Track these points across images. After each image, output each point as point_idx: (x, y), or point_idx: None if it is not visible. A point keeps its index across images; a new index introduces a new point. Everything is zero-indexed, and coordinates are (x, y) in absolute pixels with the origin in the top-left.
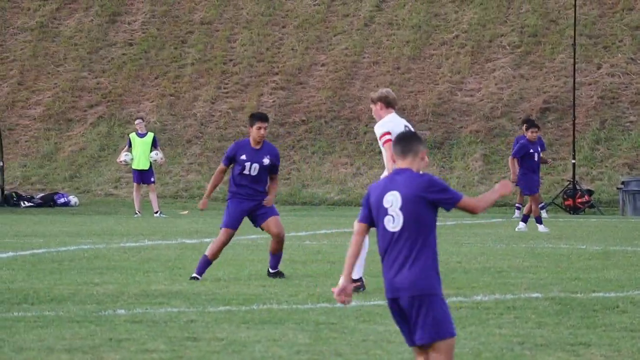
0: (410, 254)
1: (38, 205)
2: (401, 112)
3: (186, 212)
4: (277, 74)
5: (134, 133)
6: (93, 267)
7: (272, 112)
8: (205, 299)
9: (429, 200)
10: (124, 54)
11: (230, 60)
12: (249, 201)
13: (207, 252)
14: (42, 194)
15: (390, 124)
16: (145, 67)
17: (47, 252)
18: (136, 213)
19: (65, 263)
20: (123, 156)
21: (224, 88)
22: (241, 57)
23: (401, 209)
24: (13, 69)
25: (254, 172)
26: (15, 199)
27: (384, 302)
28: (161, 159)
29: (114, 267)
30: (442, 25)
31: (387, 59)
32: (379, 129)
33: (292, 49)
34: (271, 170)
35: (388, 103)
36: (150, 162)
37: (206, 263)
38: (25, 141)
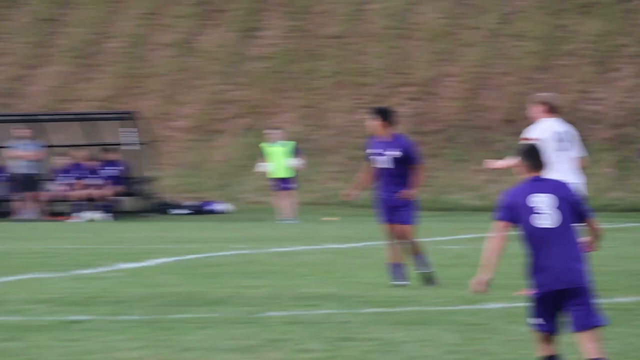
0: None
1: (188, 213)
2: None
3: (336, 218)
4: (409, 85)
5: (271, 143)
6: (248, 271)
7: (407, 122)
8: (357, 301)
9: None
10: (263, 67)
11: (364, 72)
12: None
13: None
14: (193, 202)
15: (539, 129)
16: (283, 79)
17: (205, 257)
18: (281, 219)
19: (222, 267)
20: (261, 166)
21: (360, 99)
22: (374, 69)
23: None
24: (158, 84)
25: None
26: (168, 206)
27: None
28: (301, 166)
29: (268, 271)
30: (567, 37)
31: (515, 70)
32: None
33: (423, 61)
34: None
35: (551, 108)
36: (291, 170)
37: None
38: (176, 152)
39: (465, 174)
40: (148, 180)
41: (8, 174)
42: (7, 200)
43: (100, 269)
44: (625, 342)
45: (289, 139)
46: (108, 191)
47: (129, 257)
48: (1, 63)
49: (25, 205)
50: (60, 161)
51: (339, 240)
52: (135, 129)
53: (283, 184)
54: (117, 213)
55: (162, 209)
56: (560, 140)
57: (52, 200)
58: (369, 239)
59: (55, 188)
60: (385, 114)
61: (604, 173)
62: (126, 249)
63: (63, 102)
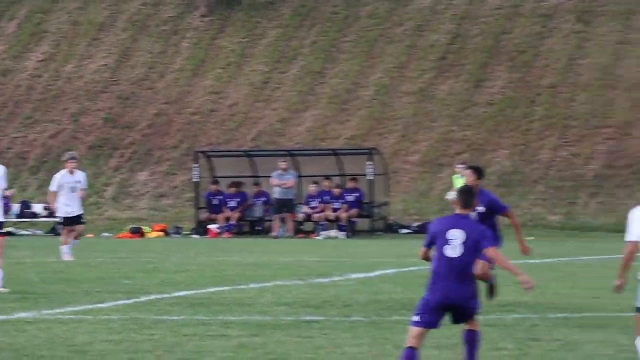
0: None
1: (414, 232)
2: None
3: (532, 238)
4: (608, 127)
5: (457, 175)
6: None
7: (603, 158)
8: (545, 307)
9: None
10: (485, 112)
11: (571, 116)
12: None
13: None
14: (418, 224)
15: None
16: (502, 122)
17: (421, 270)
18: None
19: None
20: (450, 195)
21: (564, 139)
22: (579, 114)
23: None
24: (398, 125)
25: None
26: (396, 227)
27: None
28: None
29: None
30: None
31: None
32: None
33: (622, 107)
34: None
35: None
36: None
37: None
38: (406, 182)
39: None
40: (382, 204)
41: (268, 199)
42: (266, 221)
43: (334, 278)
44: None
45: (502, 173)
46: (347, 214)
47: (359, 269)
48: (274, 108)
49: (280, 225)
50: (312, 189)
51: (537, 257)
52: (372, 163)
53: None
54: (354, 232)
55: (392, 229)
56: None
57: (302, 221)
58: (561, 256)
59: (305, 211)
60: (480, 171)
61: None
62: (357, 262)
63: (322, 140)
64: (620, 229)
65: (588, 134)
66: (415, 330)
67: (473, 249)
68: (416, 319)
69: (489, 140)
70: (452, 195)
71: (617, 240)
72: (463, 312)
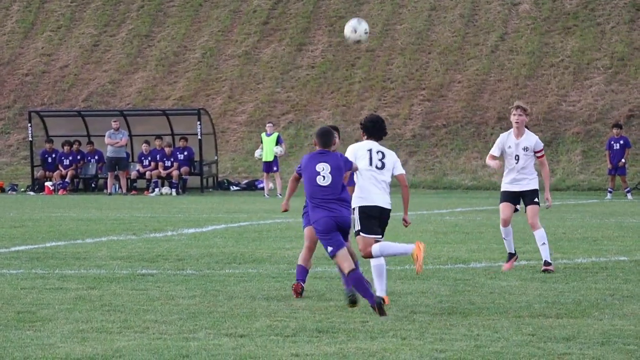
0: None
1: (243, 189)
2: None
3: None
4: (424, 89)
5: (264, 133)
6: (285, 236)
7: (420, 118)
8: (367, 260)
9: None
10: (307, 74)
11: (388, 79)
12: None
13: None
14: (246, 181)
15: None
16: (323, 84)
17: (250, 225)
18: (265, 195)
19: (264, 233)
20: (257, 153)
21: (383, 100)
22: (396, 76)
23: None
24: (225, 86)
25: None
26: (226, 184)
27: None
28: (281, 152)
29: (300, 236)
30: (551, 52)
31: (508, 78)
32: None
33: (436, 70)
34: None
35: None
36: (275, 155)
37: None
38: (234, 141)
39: (464, 160)
40: (211, 163)
41: (101, 157)
42: (99, 178)
43: (167, 233)
44: (580, 295)
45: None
46: (178, 171)
47: (191, 224)
48: (104, 69)
49: (113, 182)
50: (144, 147)
51: None
52: (200, 122)
53: (269, 166)
54: (185, 189)
55: (222, 186)
56: None
57: (135, 179)
58: None
59: (138, 169)
60: None
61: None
62: (189, 218)
63: (152, 101)
64: (436, 185)
65: (405, 96)
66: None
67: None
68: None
69: (311, 101)
70: (259, 153)
71: (434, 195)
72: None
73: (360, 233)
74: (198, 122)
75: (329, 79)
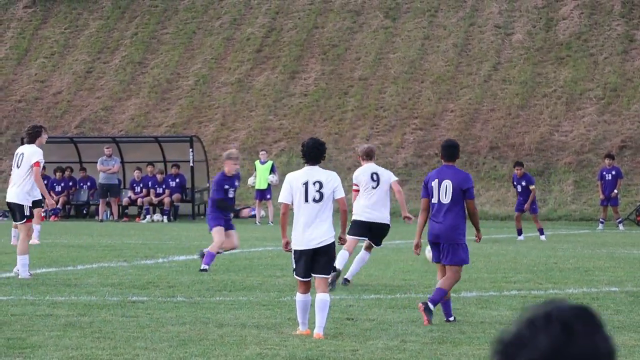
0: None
1: (234, 217)
2: (511, 148)
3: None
4: (416, 118)
5: (257, 161)
6: (275, 264)
7: (412, 147)
8: (360, 289)
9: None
10: (300, 102)
11: (381, 107)
12: None
13: None
14: (237, 208)
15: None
16: (316, 112)
17: (241, 252)
18: (257, 222)
19: (254, 260)
20: (250, 180)
21: (376, 128)
22: (389, 105)
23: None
24: (217, 114)
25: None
26: None
27: (497, 293)
28: (276, 181)
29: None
30: (544, 82)
31: (501, 107)
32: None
33: (428, 99)
34: None
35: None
36: (268, 183)
37: None
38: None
39: None
40: (202, 190)
41: (93, 184)
42: (91, 205)
43: (158, 260)
44: None
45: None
46: (170, 198)
47: (182, 251)
48: (97, 96)
49: (105, 209)
50: (136, 174)
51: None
52: (193, 150)
53: (263, 194)
54: (177, 216)
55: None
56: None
57: (126, 205)
58: None
59: (129, 195)
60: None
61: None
62: (180, 245)
63: (144, 128)
64: None
65: (398, 124)
66: None
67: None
68: None
69: (304, 129)
70: (252, 181)
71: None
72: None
73: (294, 274)
74: (190, 150)
75: (322, 107)
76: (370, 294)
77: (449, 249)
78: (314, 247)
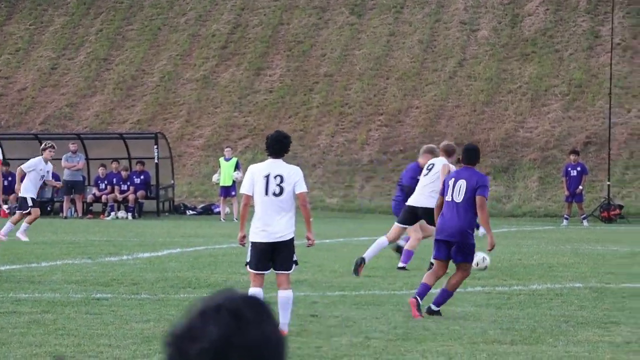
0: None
1: (199, 214)
2: (476, 144)
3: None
4: (381, 114)
5: (222, 158)
6: (240, 261)
7: (377, 143)
8: (324, 286)
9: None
10: (265, 99)
11: (346, 104)
12: None
13: None
14: (202, 205)
15: None
16: (281, 109)
17: (206, 249)
18: (222, 219)
19: (219, 257)
20: (214, 177)
21: (341, 125)
22: (354, 101)
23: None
24: (182, 110)
25: None
26: (182, 208)
27: (461, 290)
28: (241, 177)
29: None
30: (509, 78)
31: (466, 104)
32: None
33: (394, 96)
34: None
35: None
36: (233, 180)
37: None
38: (191, 165)
39: None
40: (167, 187)
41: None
42: (56, 201)
43: (122, 257)
44: (534, 321)
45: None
46: (134, 195)
47: (146, 248)
48: (62, 92)
49: (69, 206)
50: (100, 171)
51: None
52: (158, 146)
53: (227, 191)
54: (141, 213)
55: (178, 210)
56: None
57: (91, 202)
58: (338, 237)
59: (94, 192)
60: None
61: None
62: (144, 241)
63: (109, 124)
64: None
65: (363, 121)
66: None
67: None
68: None
69: (269, 126)
70: (216, 178)
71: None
72: None
73: (247, 267)
74: (155, 146)
75: (287, 104)
76: (334, 291)
77: (462, 248)
78: (273, 241)
